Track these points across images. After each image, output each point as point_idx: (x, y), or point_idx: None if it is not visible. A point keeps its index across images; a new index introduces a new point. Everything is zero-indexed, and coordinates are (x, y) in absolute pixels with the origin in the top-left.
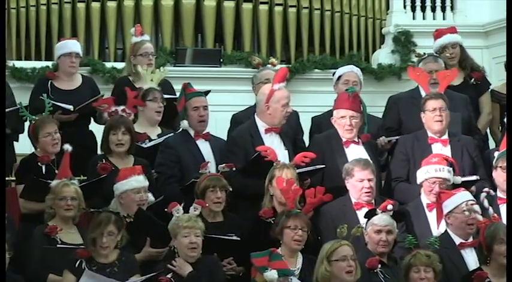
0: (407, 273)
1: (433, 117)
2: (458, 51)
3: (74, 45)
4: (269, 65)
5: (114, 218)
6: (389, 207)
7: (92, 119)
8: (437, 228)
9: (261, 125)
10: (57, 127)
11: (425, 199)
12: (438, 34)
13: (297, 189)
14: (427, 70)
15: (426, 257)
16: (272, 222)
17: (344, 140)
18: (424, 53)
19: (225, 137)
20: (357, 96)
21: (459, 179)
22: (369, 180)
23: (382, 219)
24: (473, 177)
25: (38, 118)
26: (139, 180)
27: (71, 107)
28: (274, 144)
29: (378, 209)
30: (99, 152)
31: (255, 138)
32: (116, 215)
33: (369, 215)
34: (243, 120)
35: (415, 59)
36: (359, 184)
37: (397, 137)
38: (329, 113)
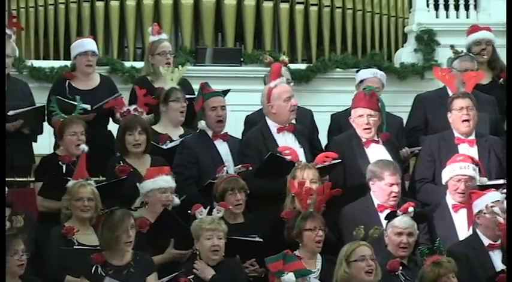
0: None
1: (460, 116)
2: (491, 49)
3: (89, 44)
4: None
5: (128, 211)
6: (410, 209)
7: (111, 119)
8: (467, 230)
9: (273, 125)
10: (84, 129)
11: (451, 200)
12: (473, 29)
13: (308, 189)
14: (462, 68)
15: (450, 264)
16: None
17: (364, 139)
18: (462, 51)
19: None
20: (374, 95)
21: (485, 180)
22: (398, 184)
23: (402, 221)
24: (500, 181)
25: (67, 117)
26: (166, 180)
27: (88, 107)
28: (288, 143)
29: (398, 211)
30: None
31: (268, 138)
32: (129, 210)
33: (390, 217)
34: (256, 121)
35: (438, 58)
36: (388, 188)
37: (420, 148)
38: (348, 111)
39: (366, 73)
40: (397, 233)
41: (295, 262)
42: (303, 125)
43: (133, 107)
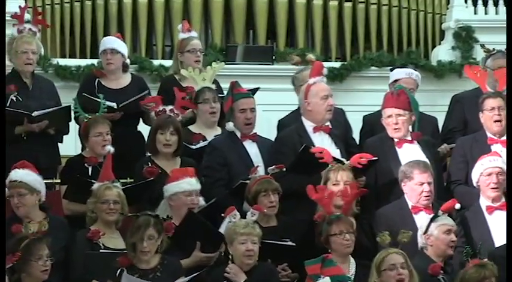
0: None
1: (492, 116)
2: None
3: (108, 42)
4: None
5: (153, 221)
6: (457, 206)
7: (141, 120)
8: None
9: (309, 125)
10: (110, 129)
11: (485, 201)
12: None
13: (330, 192)
14: (495, 66)
15: (494, 267)
16: None
17: (396, 140)
18: (493, 49)
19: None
20: (403, 93)
21: None
22: (429, 183)
23: (449, 219)
24: None
25: (91, 117)
26: (191, 183)
27: (114, 104)
28: (324, 144)
29: (440, 210)
30: (148, 153)
31: (304, 137)
32: (155, 218)
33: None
34: (289, 125)
35: (477, 56)
36: (418, 188)
37: None
38: (380, 112)
39: (400, 73)
40: (446, 230)
41: (333, 267)
42: (337, 124)
43: (170, 107)
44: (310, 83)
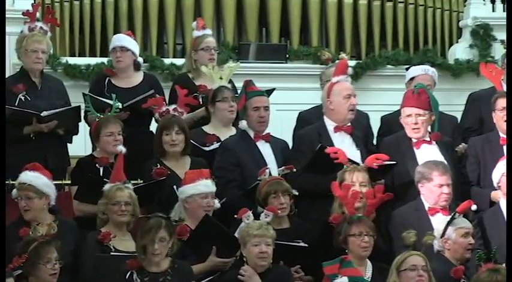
0: None
1: (502, 117)
2: None
3: (117, 40)
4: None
5: (164, 223)
6: (474, 207)
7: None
8: None
9: (330, 124)
10: (122, 129)
11: (505, 202)
12: None
13: (355, 192)
14: None
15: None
16: None
17: (414, 140)
18: None
19: (290, 138)
20: (424, 93)
21: None
22: (448, 185)
23: (466, 221)
24: None
25: (103, 116)
26: (207, 185)
27: (119, 104)
28: (344, 144)
29: (456, 212)
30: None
31: (324, 136)
32: (167, 220)
33: (451, 221)
34: (309, 119)
35: (495, 54)
36: (437, 190)
37: None
38: (399, 112)
39: (416, 70)
40: (464, 233)
41: (351, 268)
42: (359, 127)
43: (173, 106)
44: (334, 81)
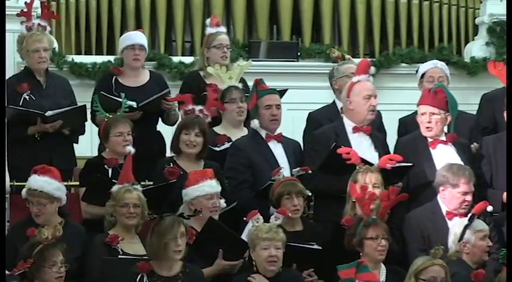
0: None
1: None
2: None
3: (137, 37)
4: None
5: (180, 219)
6: (490, 208)
7: (160, 119)
8: None
9: (349, 124)
10: (131, 129)
11: None
12: None
13: (372, 194)
14: None
15: None
16: None
17: (430, 140)
18: None
19: (301, 138)
20: (441, 92)
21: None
22: (471, 193)
23: (483, 224)
24: None
25: (112, 116)
26: (212, 186)
27: (133, 103)
28: (362, 145)
29: (472, 213)
30: (167, 154)
31: (341, 137)
32: (180, 217)
33: (470, 223)
34: (319, 119)
35: None
36: (461, 197)
37: None
38: (416, 113)
39: (425, 66)
40: (483, 236)
41: (368, 273)
42: (374, 126)
43: (200, 107)
44: (354, 80)
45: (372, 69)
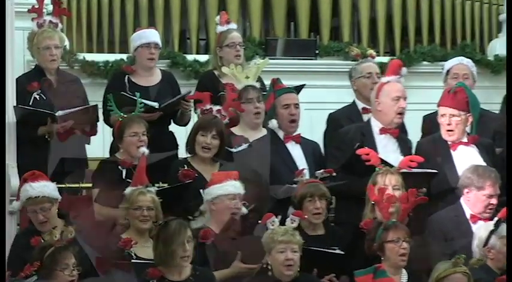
0: None
1: None
2: None
3: (152, 35)
4: (369, 57)
5: (185, 223)
6: None
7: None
8: None
9: (376, 125)
10: (146, 129)
11: None
12: None
13: (390, 196)
14: None
15: None
16: None
17: (450, 142)
18: None
19: (320, 139)
20: (461, 92)
21: None
22: (496, 196)
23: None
24: None
25: (126, 115)
26: (235, 186)
27: (156, 104)
28: (388, 147)
29: (498, 217)
30: (180, 156)
31: (367, 137)
32: (186, 221)
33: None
34: (340, 120)
35: None
36: (486, 200)
37: None
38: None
39: (450, 62)
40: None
41: (386, 278)
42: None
43: (218, 108)
44: (384, 81)
45: (404, 70)
